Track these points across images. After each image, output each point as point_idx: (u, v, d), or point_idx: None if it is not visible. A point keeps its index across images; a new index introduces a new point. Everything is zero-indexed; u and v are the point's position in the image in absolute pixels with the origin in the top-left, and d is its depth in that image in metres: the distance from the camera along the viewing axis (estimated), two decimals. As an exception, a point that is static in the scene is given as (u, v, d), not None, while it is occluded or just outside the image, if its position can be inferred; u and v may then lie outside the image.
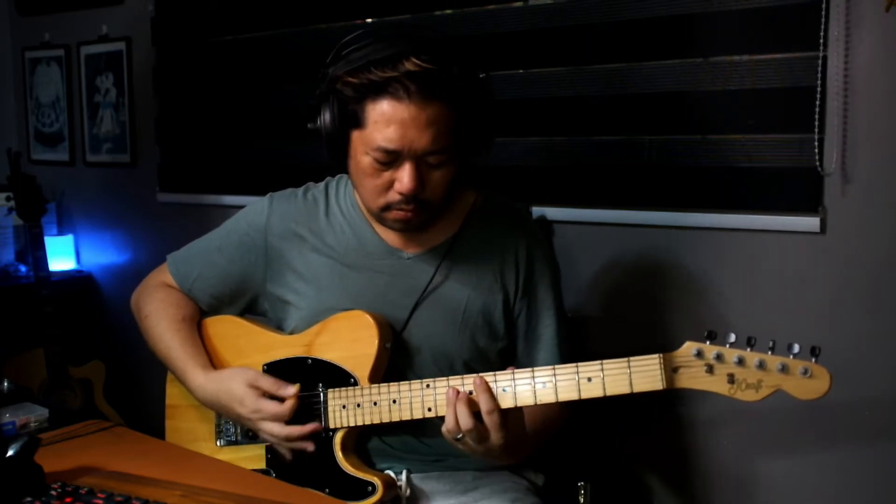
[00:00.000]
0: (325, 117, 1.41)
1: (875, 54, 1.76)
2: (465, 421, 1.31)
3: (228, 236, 1.62)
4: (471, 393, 1.33)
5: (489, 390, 1.32)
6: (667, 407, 2.05)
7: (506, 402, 1.34)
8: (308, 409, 1.46)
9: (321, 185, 1.63)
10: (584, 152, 2.13)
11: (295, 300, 1.55)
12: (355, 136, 1.40)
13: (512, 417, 1.34)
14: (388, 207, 1.43)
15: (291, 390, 1.43)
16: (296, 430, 1.42)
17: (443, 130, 1.36)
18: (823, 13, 1.77)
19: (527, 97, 2.19)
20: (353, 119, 1.38)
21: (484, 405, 1.31)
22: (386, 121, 1.34)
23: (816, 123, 1.81)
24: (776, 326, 1.89)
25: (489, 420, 1.31)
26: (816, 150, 1.81)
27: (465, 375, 1.37)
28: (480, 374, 1.34)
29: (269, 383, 1.44)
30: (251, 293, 1.61)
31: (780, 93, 1.85)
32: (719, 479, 2.03)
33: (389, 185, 1.40)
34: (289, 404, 1.42)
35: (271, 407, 1.42)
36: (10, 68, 3.61)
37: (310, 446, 1.43)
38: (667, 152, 2.02)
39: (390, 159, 1.37)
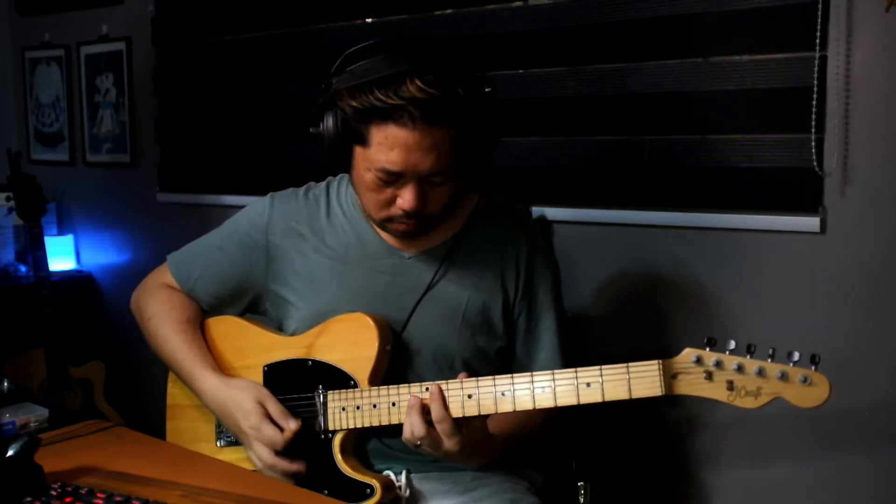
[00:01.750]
0: (328, 126, 1.41)
1: (875, 54, 1.76)
2: (419, 429, 1.34)
3: (230, 236, 1.62)
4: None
5: (441, 399, 1.34)
6: (667, 408, 2.05)
7: (504, 406, 1.34)
8: (308, 410, 1.46)
9: (322, 184, 1.63)
10: (583, 152, 2.13)
11: (295, 300, 1.55)
12: (358, 151, 1.40)
13: (470, 426, 1.36)
14: (390, 219, 1.44)
15: (293, 425, 1.42)
16: (281, 463, 1.42)
17: (446, 151, 1.37)
18: (823, 13, 1.77)
19: (527, 97, 2.19)
20: (356, 135, 1.38)
21: (434, 414, 1.35)
22: (390, 144, 1.34)
23: (816, 123, 1.81)
24: (776, 326, 1.89)
25: (440, 428, 1.34)
26: (816, 150, 1.81)
27: (463, 379, 1.37)
28: (438, 383, 1.36)
29: (275, 408, 1.44)
30: (253, 292, 1.61)
31: (781, 93, 1.85)
32: (719, 479, 2.03)
33: (392, 200, 1.41)
34: (286, 436, 1.41)
35: (270, 431, 1.42)
36: (10, 68, 3.61)
37: (290, 482, 1.42)
38: (667, 152, 2.01)
39: (393, 179, 1.38)
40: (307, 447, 1.44)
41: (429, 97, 1.31)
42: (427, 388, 1.38)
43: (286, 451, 1.42)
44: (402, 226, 1.45)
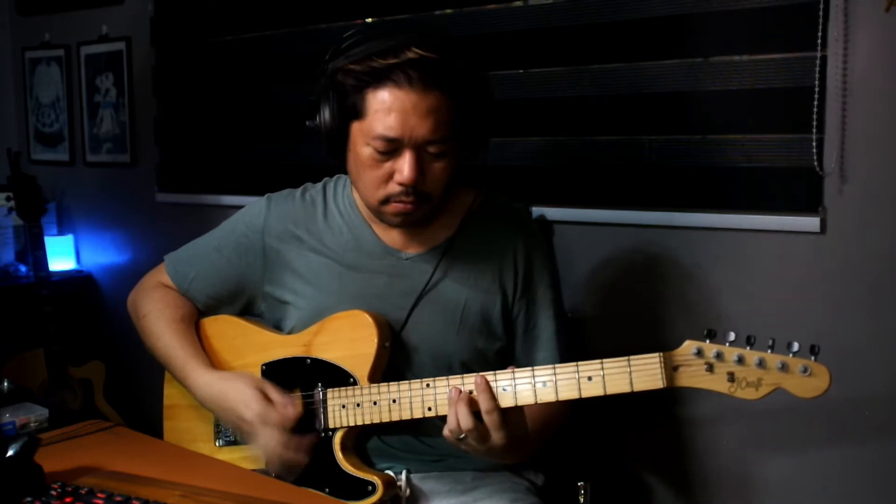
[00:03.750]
0: (325, 112, 1.42)
1: (875, 54, 1.76)
2: (466, 421, 1.31)
3: (226, 237, 1.62)
4: (471, 392, 1.33)
5: (489, 389, 1.32)
6: (667, 406, 2.05)
7: (506, 402, 1.34)
8: (307, 409, 1.46)
9: (319, 185, 1.63)
10: (584, 152, 2.13)
11: (294, 300, 1.55)
12: (355, 127, 1.40)
13: (513, 417, 1.34)
14: (387, 200, 1.42)
15: (296, 401, 1.42)
16: (294, 439, 1.41)
17: (443, 120, 1.37)
18: (823, 13, 1.77)
19: (527, 97, 2.19)
20: (352, 110, 1.39)
21: (483, 405, 1.31)
22: (387, 109, 1.34)
23: (816, 123, 1.81)
24: (776, 326, 1.89)
25: (489, 420, 1.31)
26: (816, 150, 1.81)
27: (465, 375, 1.37)
28: (482, 374, 1.34)
29: (275, 393, 1.44)
30: (248, 294, 1.61)
31: (780, 93, 1.85)
32: (720, 478, 2.03)
33: (389, 176, 1.40)
34: (294, 412, 1.41)
35: (276, 413, 1.41)
36: (10, 68, 3.61)
37: (304, 461, 1.42)
38: (667, 152, 2.01)
39: (391, 148, 1.37)
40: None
41: (424, 58, 1.33)
42: (428, 385, 1.38)
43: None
44: (399, 205, 1.42)
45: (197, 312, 1.63)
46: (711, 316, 1.98)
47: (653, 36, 2.01)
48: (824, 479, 1.91)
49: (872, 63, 1.77)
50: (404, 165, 1.38)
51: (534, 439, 1.47)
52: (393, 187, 1.40)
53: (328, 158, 1.48)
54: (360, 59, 1.36)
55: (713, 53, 1.93)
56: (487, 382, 1.32)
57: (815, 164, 1.81)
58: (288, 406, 1.42)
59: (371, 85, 1.35)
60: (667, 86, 1.99)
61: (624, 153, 2.07)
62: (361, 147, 1.40)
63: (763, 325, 1.90)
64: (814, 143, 1.81)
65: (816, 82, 1.79)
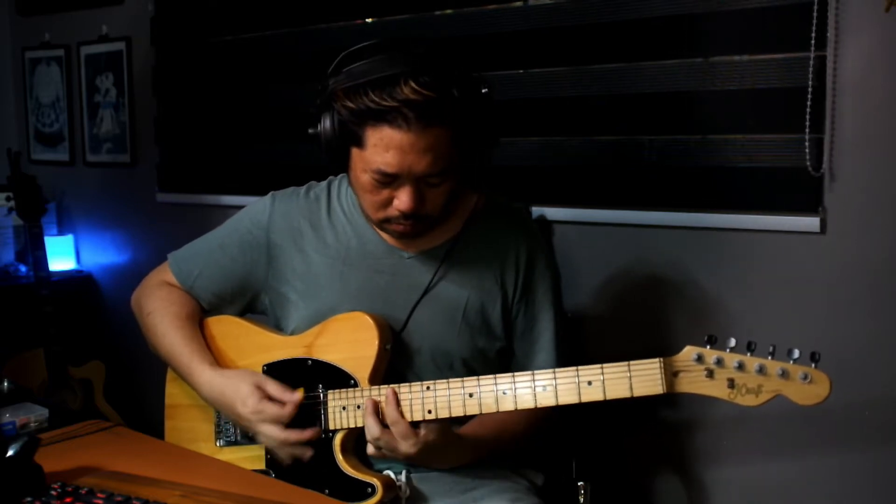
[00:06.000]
0: (325, 127, 1.41)
1: (875, 54, 1.76)
2: (373, 430, 1.37)
3: (230, 234, 1.62)
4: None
5: (394, 402, 1.37)
6: (667, 407, 2.06)
7: (506, 405, 1.35)
8: (308, 410, 1.46)
9: (323, 183, 1.64)
10: (584, 152, 2.13)
11: (295, 299, 1.55)
12: (355, 152, 1.40)
13: (432, 428, 1.37)
14: (387, 220, 1.44)
15: (295, 396, 1.43)
16: (293, 434, 1.42)
17: (442, 152, 1.36)
18: (823, 13, 1.77)
19: (527, 97, 2.19)
20: (352, 136, 1.38)
21: (388, 417, 1.37)
22: (385, 146, 1.34)
23: (816, 123, 1.81)
24: (776, 326, 1.89)
25: (394, 430, 1.36)
26: (816, 150, 1.81)
27: (465, 378, 1.38)
28: (393, 386, 1.38)
29: (274, 387, 1.44)
30: (253, 291, 1.61)
31: (781, 93, 1.85)
32: (720, 479, 2.03)
33: (389, 201, 1.41)
34: (289, 408, 1.42)
35: (272, 409, 1.42)
36: (10, 68, 3.61)
37: (307, 452, 1.43)
38: (667, 152, 2.02)
39: (389, 180, 1.38)
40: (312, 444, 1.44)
41: (423, 99, 1.31)
42: (428, 388, 1.38)
43: (295, 425, 1.43)
44: (399, 227, 1.45)
45: (201, 310, 1.63)
46: (711, 315, 1.98)
47: (653, 36, 2.01)
48: (824, 481, 1.91)
49: (872, 63, 1.77)
50: (403, 196, 1.39)
51: (467, 447, 1.47)
52: (392, 212, 1.42)
53: (328, 166, 1.48)
54: (354, 91, 1.33)
55: (713, 53, 1.93)
56: (395, 394, 1.37)
57: (815, 164, 1.81)
58: (285, 401, 1.42)
59: (368, 122, 1.34)
60: (667, 86, 1.99)
61: (624, 153, 2.07)
62: (360, 172, 1.40)
63: (762, 325, 1.90)
64: (807, 144, 1.81)
65: (816, 82, 1.80)
